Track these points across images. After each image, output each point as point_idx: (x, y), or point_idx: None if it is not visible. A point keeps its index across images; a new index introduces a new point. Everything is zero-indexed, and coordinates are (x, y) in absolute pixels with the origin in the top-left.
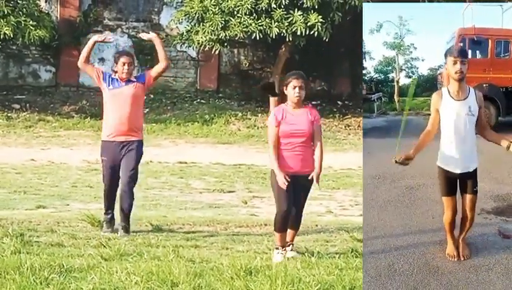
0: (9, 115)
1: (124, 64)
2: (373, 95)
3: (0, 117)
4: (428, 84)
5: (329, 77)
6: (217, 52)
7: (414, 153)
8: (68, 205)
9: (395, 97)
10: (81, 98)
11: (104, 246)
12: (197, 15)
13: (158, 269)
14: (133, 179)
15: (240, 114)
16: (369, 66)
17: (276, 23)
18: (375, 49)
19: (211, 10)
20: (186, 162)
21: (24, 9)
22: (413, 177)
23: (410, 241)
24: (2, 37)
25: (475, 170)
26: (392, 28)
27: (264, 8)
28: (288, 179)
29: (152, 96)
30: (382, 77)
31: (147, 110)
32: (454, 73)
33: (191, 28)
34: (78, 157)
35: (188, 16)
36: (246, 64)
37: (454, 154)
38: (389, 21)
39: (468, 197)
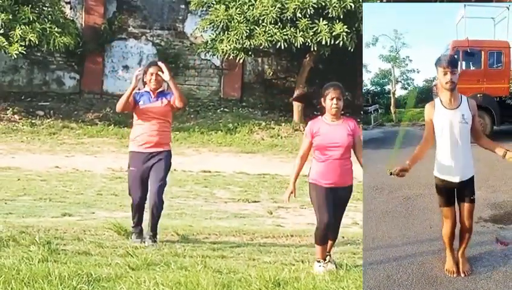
0: (33, 121)
1: (152, 75)
2: (370, 107)
3: (25, 124)
4: (424, 96)
5: (353, 87)
6: (241, 60)
7: (410, 165)
8: (94, 213)
9: (392, 108)
10: (105, 105)
11: (131, 256)
12: (222, 23)
13: (186, 280)
14: (162, 189)
15: (264, 123)
16: (366, 78)
17: (301, 33)
18: (372, 62)
19: (236, 19)
20: (210, 171)
21: (49, 16)
22: (410, 187)
23: (409, 251)
24: (27, 43)
25: (472, 178)
26: (387, 42)
27: (289, 17)
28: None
29: None
30: (378, 89)
31: None
32: (445, 83)
33: (215, 37)
34: (103, 165)
35: (212, 24)
36: (269, 73)
37: (450, 163)
38: (384, 35)
39: (465, 206)
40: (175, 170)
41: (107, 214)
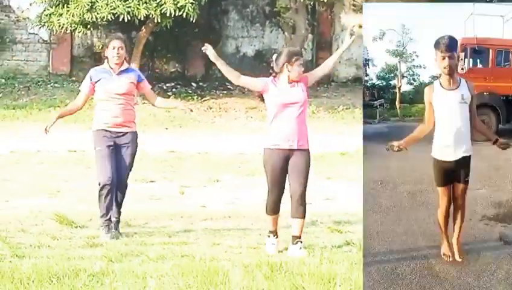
0: None
1: (113, 48)
2: (375, 102)
3: None
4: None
5: (182, 59)
6: (80, 34)
7: (406, 144)
8: (7, 201)
9: (397, 104)
10: None
11: (98, 246)
12: None
13: (181, 270)
14: (128, 174)
15: None
16: (372, 72)
17: (144, 5)
18: (378, 56)
19: None
20: (75, 151)
21: None
22: (414, 182)
23: (413, 245)
24: None
25: (469, 158)
26: (394, 36)
27: None
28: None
29: (3, 80)
30: (384, 83)
31: (0, 95)
32: (443, 68)
33: (54, 10)
34: None
35: None
36: (99, 46)
37: (449, 143)
38: (392, 29)
39: (459, 186)
40: (39, 151)
41: (23, 201)
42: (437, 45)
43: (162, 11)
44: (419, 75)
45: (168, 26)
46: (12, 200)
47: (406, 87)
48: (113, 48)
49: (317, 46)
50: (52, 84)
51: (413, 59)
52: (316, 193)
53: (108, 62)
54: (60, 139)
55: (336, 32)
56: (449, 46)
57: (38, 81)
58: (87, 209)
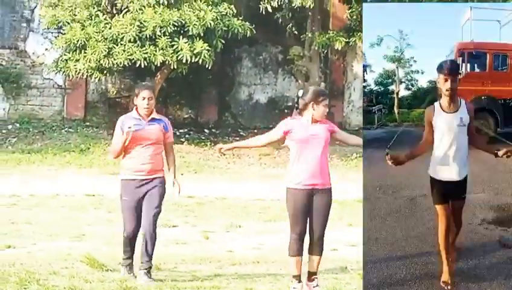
0: None
1: (143, 99)
2: (374, 107)
3: None
4: (428, 96)
5: (196, 105)
6: (96, 80)
7: (406, 159)
8: (35, 244)
9: (395, 109)
10: None
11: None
12: (79, 42)
13: None
14: (156, 218)
15: None
16: (370, 78)
17: (161, 51)
18: (376, 62)
19: (94, 37)
20: (93, 195)
21: None
22: (414, 188)
23: (413, 251)
24: None
25: (465, 178)
26: (392, 42)
27: (148, 36)
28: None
29: (18, 125)
30: (382, 89)
31: (15, 139)
32: (445, 90)
33: (71, 56)
34: None
35: (69, 43)
36: (113, 92)
37: (447, 164)
38: (389, 35)
39: (456, 203)
40: (57, 194)
41: (49, 244)
42: (440, 68)
43: (179, 58)
44: (417, 80)
45: (184, 73)
46: (38, 242)
47: (404, 93)
48: (143, 99)
49: (329, 94)
50: (66, 129)
51: (411, 64)
52: (340, 239)
53: (137, 110)
54: (77, 183)
55: (348, 80)
56: (451, 69)
57: (53, 126)
58: (115, 252)
